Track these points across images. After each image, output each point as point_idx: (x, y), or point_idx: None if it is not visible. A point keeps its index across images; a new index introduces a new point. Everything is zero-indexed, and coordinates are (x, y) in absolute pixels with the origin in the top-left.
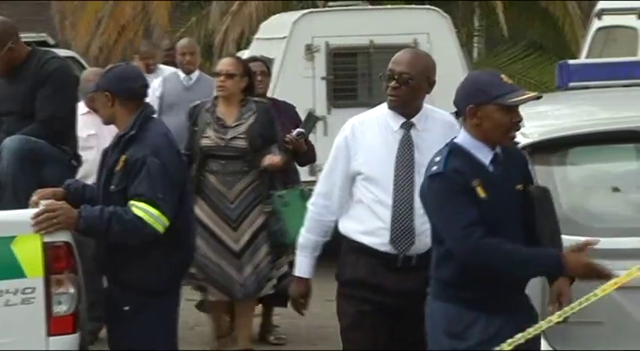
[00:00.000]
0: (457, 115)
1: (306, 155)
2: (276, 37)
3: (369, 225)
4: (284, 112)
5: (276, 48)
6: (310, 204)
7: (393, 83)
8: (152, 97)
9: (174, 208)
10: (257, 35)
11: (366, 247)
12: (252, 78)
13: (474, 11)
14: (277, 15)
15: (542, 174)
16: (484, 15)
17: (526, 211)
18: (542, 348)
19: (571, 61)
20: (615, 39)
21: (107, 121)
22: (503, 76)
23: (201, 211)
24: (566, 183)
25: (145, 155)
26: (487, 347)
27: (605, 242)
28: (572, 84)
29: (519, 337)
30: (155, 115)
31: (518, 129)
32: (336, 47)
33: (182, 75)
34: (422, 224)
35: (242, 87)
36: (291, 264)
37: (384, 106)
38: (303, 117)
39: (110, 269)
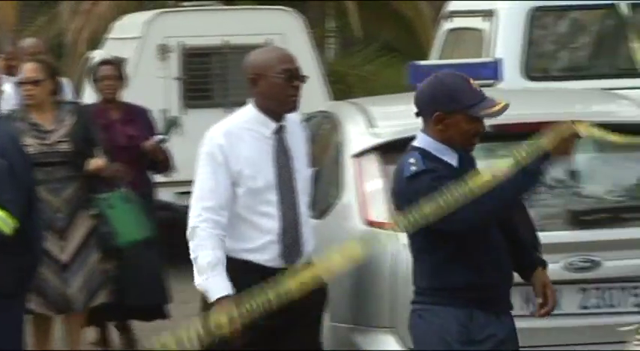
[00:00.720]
0: (417, 115)
1: (164, 163)
2: (129, 37)
3: (257, 242)
4: (138, 116)
5: (129, 48)
6: (200, 221)
7: (296, 82)
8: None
9: (22, 210)
10: (110, 35)
11: (254, 265)
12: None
13: (327, 12)
14: (130, 15)
15: (392, 173)
16: (337, 16)
17: None
18: (393, 347)
19: (421, 62)
20: (464, 40)
21: None
22: (471, 80)
23: None
24: None
25: None
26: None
27: None
28: None
29: None
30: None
31: (481, 135)
32: (189, 47)
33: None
34: (306, 233)
35: (51, 89)
36: (120, 267)
37: (247, 110)
38: (159, 120)
39: None
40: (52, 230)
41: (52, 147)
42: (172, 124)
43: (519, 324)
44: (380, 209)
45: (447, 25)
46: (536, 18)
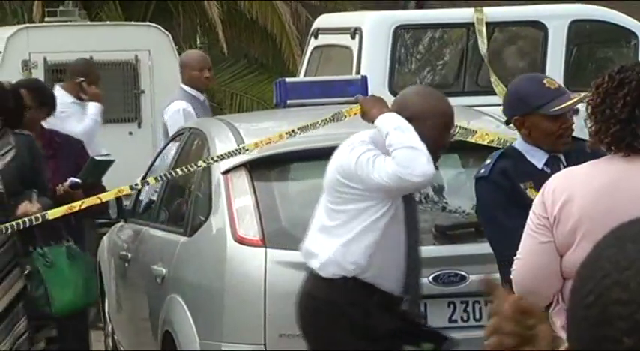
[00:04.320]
0: (506, 123)
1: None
2: None
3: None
4: (66, 148)
5: None
6: None
7: None
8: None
9: None
10: None
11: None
12: (19, 105)
13: (195, 29)
14: None
15: (261, 190)
16: (205, 33)
17: None
18: None
19: (288, 79)
20: (331, 57)
21: None
22: (545, 80)
23: None
24: (285, 198)
25: None
26: None
27: None
28: (289, 101)
29: None
30: None
31: (571, 133)
32: (54, 63)
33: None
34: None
35: None
36: (50, 340)
37: None
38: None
39: None
40: None
41: None
42: (99, 166)
43: None
44: (249, 226)
45: (315, 42)
46: (400, 35)
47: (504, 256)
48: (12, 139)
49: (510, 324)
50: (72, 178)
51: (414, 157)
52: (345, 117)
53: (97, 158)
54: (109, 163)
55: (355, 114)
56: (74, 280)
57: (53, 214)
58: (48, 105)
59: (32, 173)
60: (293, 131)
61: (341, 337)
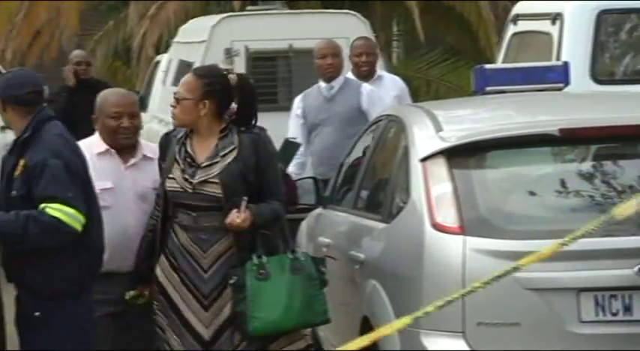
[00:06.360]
0: None
1: (287, 196)
2: (195, 40)
3: None
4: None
5: (195, 52)
6: None
7: None
8: (293, 117)
9: (85, 206)
10: (176, 39)
11: None
12: (250, 100)
13: (392, 17)
14: (196, 19)
15: (460, 177)
16: (402, 20)
17: None
18: (460, 348)
19: (487, 66)
20: (530, 44)
21: (7, 125)
22: None
23: (165, 278)
24: (484, 186)
25: (44, 158)
26: None
27: (521, 244)
28: (488, 88)
29: None
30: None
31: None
32: (255, 51)
33: (323, 85)
34: None
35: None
36: None
37: None
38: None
39: (17, 275)
40: (195, 296)
41: (197, 188)
42: (291, 148)
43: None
44: (447, 213)
45: (514, 28)
46: (603, 20)
47: None
48: (235, 138)
49: None
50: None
51: None
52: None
53: (290, 139)
54: (297, 145)
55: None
56: (289, 298)
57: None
58: None
59: (256, 174)
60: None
61: None
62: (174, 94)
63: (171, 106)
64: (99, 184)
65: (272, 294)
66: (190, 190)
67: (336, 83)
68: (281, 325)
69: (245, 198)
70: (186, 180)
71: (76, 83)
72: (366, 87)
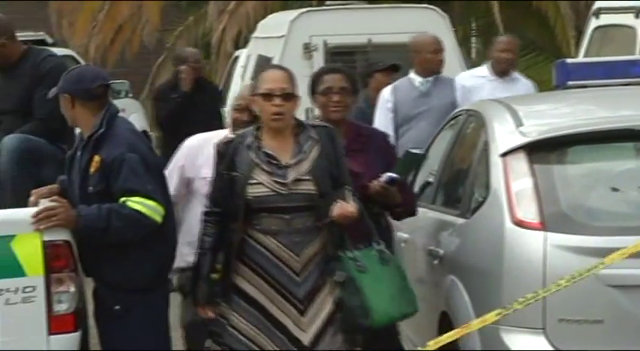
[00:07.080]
0: None
1: (404, 207)
2: (273, 35)
3: None
4: (373, 142)
5: (274, 47)
6: None
7: None
8: (382, 110)
9: (164, 198)
10: (255, 34)
11: None
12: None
13: (470, 12)
14: (275, 14)
15: (541, 172)
16: (481, 15)
17: None
18: (543, 348)
19: (569, 60)
20: (613, 38)
21: (72, 123)
22: None
23: (251, 286)
24: (565, 181)
25: (122, 153)
26: None
27: (604, 241)
28: (570, 83)
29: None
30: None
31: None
32: (334, 46)
33: (418, 79)
34: None
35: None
36: None
37: None
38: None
39: (94, 269)
40: (289, 301)
41: (292, 188)
42: (413, 160)
43: None
44: (528, 208)
45: (596, 22)
46: None
47: None
48: (313, 131)
49: None
50: (388, 174)
51: None
52: None
53: (413, 151)
54: (423, 156)
55: None
56: (389, 288)
57: None
58: (357, 92)
59: (337, 168)
60: None
61: None
62: (273, 91)
63: (277, 105)
64: None
65: (375, 285)
66: (284, 192)
67: (431, 77)
68: (393, 315)
69: (349, 187)
70: (277, 182)
71: (193, 84)
72: (458, 81)
